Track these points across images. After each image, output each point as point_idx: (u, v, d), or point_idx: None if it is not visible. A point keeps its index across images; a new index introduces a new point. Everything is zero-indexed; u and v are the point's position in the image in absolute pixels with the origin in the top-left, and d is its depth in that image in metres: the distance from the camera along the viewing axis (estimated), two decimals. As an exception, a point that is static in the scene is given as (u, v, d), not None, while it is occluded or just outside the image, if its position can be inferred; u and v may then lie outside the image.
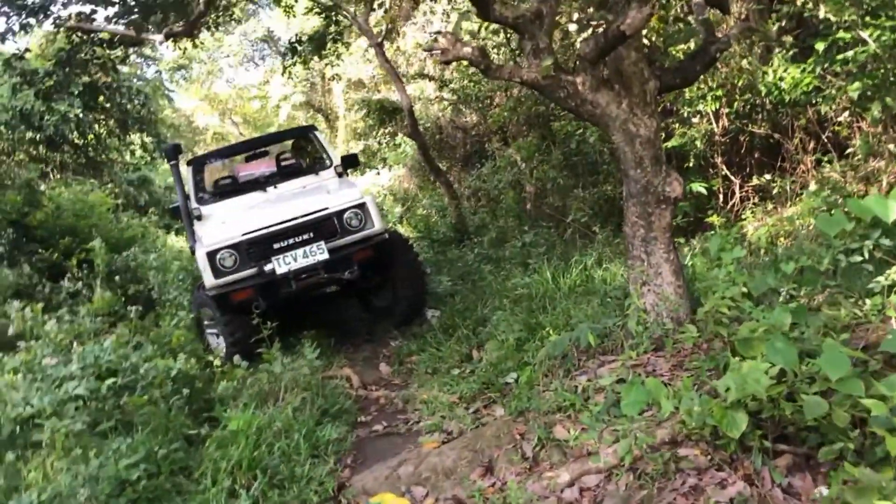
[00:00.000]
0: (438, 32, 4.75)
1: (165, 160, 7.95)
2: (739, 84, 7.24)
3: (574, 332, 4.42)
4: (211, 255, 6.11)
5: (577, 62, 4.48)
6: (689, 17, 5.59)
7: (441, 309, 7.09)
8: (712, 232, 7.09)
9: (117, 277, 8.66)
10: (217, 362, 5.27)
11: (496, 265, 7.79)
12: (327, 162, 7.63)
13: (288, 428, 4.12)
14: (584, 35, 4.99)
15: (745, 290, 3.63)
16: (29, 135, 11.84)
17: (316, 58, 11.95)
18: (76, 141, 14.12)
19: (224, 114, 32.97)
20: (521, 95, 11.17)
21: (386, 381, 5.75)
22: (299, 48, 11.07)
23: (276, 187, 7.32)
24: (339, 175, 7.45)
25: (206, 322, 6.74)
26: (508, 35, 11.49)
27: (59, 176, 14.92)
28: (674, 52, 6.97)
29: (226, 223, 6.53)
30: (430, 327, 6.73)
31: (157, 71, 24.24)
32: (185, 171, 7.48)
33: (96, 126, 13.78)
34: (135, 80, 14.01)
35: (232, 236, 6.20)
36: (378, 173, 18.40)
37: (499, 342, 5.33)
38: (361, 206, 6.50)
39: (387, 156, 15.90)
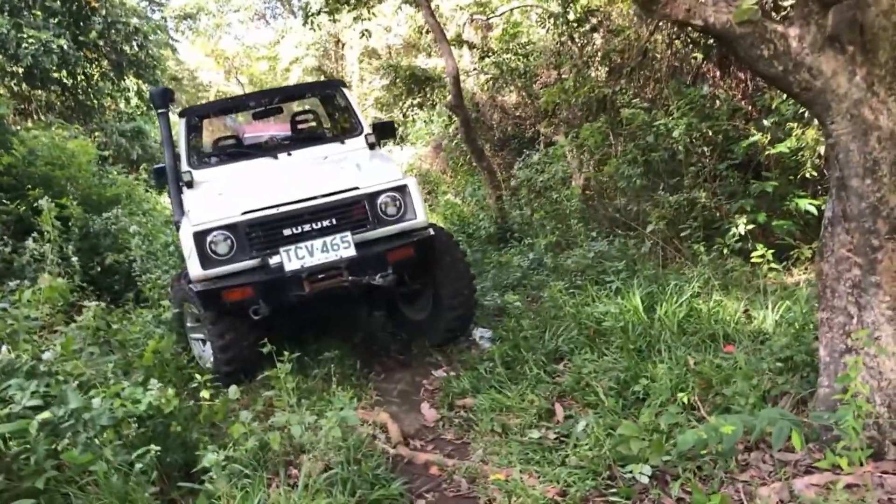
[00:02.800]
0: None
1: (152, 107, 6.32)
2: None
3: (756, 418, 2.90)
4: (200, 237, 4.56)
5: (796, 7, 2.94)
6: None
7: (493, 329, 5.58)
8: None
9: (69, 251, 7.08)
10: (205, 393, 3.70)
11: (559, 277, 6.26)
12: (356, 127, 6.04)
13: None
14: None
15: None
16: (5, 64, 10.13)
17: (336, 16, 10.24)
18: (64, 80, 12.42)
19: (230, 72, 31.21)
20: (580, 75, 9.61)
21: (433, 434, 4.21)
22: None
23: (289, 154, 5.73)
24: (371, 147, 5.87)
25: (189, 323, 5.20)
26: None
27: (42, 118, 13.26)
28: None
29: (223, 195, 4.96)
30: (481, 353, 5.21)
31: (162, 17, 22.52)
32: (177, 125, 5.92)
33: (87, 65, 12.06)
34: (133, 19, 12.28)
35: (229, 214, 4.65)
36: (391, 150, 16.79)
37: (601, 405, 3.84)
38: (401, 189, 4.95)
39: (408, 132, 14.27)
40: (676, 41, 9.13)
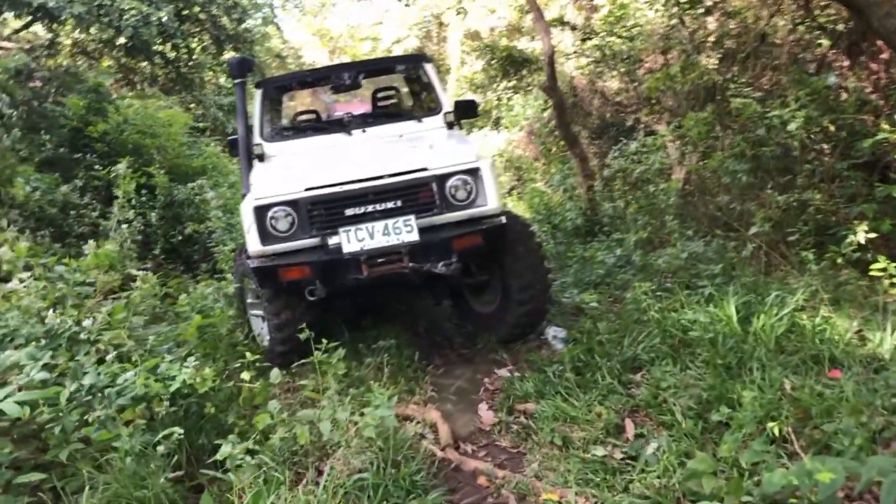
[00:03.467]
0: None
1: (230, 76, 6.21)
2: None
3: (862, 465, 2.38)
4: (261, 212, 4.35)
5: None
6: None
7: (567, 328, 5.15)
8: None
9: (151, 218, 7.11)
10: (245, 375, 3.49)
11: (647, 278, 5.73)
12: (437, 106, 5.71)
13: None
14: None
15: None
16: (107, 36, 10.38)
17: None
18: (167, 53, 12.69)
19: (333, 52, 31.55)
20: (688, 61, 8.91)
21: (487, 439, 3.84)
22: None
23: (364, 131, 5.46)
24: (450, 126, 5.53)
25: (249, 299, 5.03)
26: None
27: (145, 90, 13.64)
28: None
29: (289, 170, 4.75)
30: (551, 354, 4.80)
31: (270, -5, 22.94)
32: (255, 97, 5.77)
33: (189, 38, 12.28)
34: (235, -8, 12.38)
35: (292, 190, 4.41)
36: (486, 135, 16.42)
37: (677, 426, 3.37)
38: (474, 171, 4.56)
39: (502, 115, 13.83)
40: (800, 26, 8.31)
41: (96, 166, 8.64)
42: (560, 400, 3.96)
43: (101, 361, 3.22)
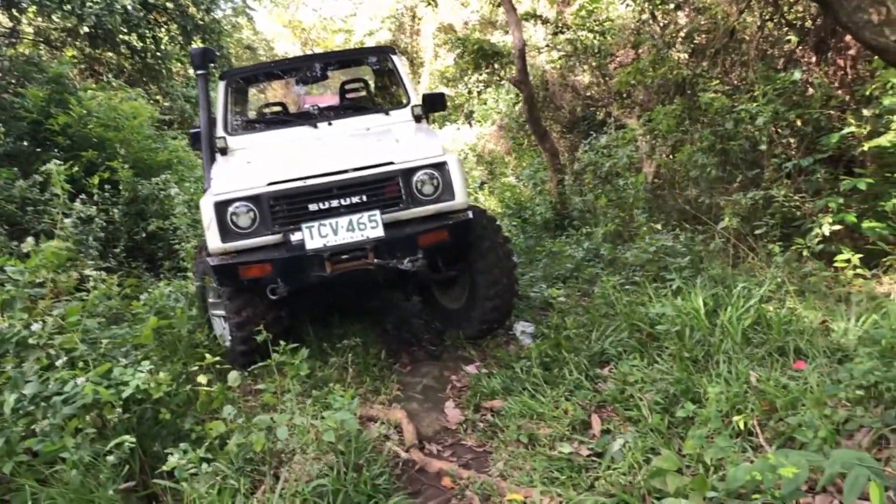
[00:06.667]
0: None
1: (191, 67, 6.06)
2: None
3: (826, 459, 2.36)
4: (221, 208, 4.24)
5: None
6: None
7: (535, 323, 5.11)
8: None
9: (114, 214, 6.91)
10: (202, 378, 3.38)
11: (615, 271, 5.71)
12: (404, 99, 5.62)
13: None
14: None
15: None
16: (70, 24, 10.11)
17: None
18: (133, 43, 12.41)
19: (306, 44, 31.23)
20: (659, 55, 8.90)
21: (453, 438, 3.78)
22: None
23: (330, 124, 5.36)
24: (417, 119, 5.45)
25: (211, 298, 4.91)
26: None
27: (111, 81, 13.33)
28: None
29: (251, 164, 4.63)
30: (519, 350, 4.76)
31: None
32: (218, 88, 5.63)
33: (156, 28, 12.02)
34: (201, -20, 12.12)
35: (253, 185, 4.31)
36: (458, 129, 16.35)
37: (643, 421, 3.34)
38: (440, 166, 4.48)
39: (474, 108, 13.76)
40: (769, 22, 8.33)
41: (58, 161, 8.39)
42: (527, 396, 3.92)
43: (50, 367, 3.11)
